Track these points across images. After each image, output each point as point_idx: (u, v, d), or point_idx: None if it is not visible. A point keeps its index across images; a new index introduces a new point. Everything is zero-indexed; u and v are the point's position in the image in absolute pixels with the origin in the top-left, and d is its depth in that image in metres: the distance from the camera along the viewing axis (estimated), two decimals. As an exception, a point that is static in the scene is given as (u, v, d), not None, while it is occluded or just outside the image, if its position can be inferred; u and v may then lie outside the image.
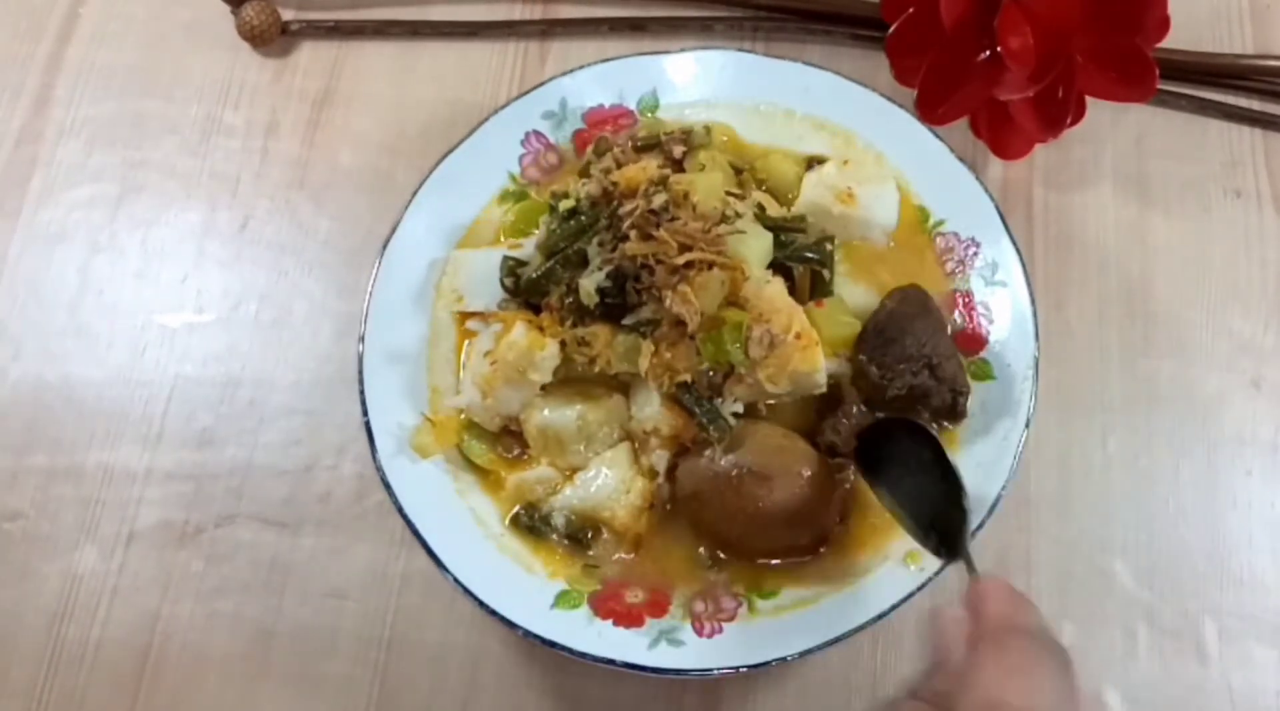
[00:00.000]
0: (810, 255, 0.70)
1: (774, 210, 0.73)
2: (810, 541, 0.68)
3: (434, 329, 0.74)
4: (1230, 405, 0.76)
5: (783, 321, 0.65)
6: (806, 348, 0.65)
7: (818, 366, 0.66)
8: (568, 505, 0.68)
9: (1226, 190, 0.82)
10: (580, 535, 0.68)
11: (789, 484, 0.65)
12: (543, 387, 0.68)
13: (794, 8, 0.86)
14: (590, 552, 0.68)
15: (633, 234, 0.66)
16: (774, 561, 0.68)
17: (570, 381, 0.69)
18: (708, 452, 0.66)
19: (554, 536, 0.68)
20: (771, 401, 0.69)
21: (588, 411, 0.68)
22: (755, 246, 0.67)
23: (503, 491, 0.70)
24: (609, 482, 0.68)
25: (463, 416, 0.70)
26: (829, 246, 0.71)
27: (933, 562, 0.65)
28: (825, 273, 0.71)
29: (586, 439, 0.68)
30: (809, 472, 0.65)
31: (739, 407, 0.67)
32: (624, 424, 0.69)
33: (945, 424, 0.70)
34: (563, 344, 0.67)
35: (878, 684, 0.69)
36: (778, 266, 0.69)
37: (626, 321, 0.66)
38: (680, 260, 0.64)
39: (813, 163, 0.77)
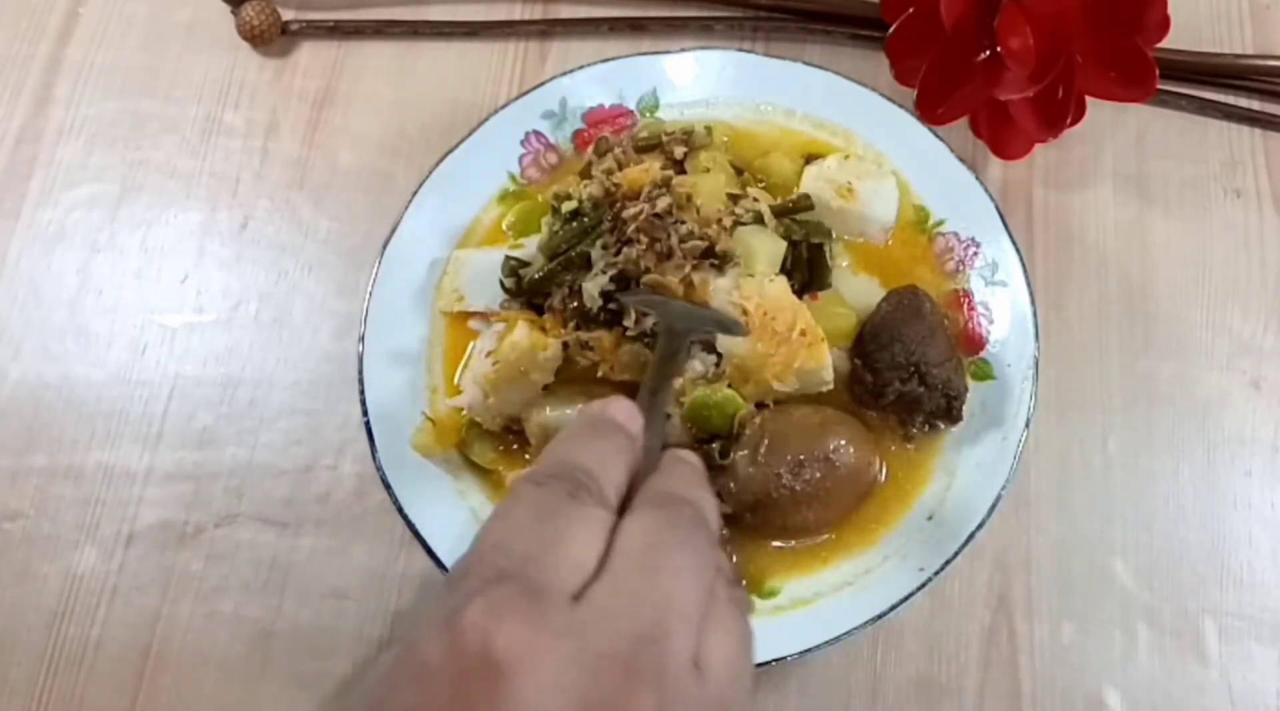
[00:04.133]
0: (819, 240, 0.71)
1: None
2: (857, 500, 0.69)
3: (434, 329, 0.74)
4: (1230, 405, 0.76)
5: (787, 319, 0.65)
6: (812, 345, 0.65)
7: (824, 362, 0.66)
8: None
9: (1226, 190, 0.82)
10: None
11: (843, 455, 0.66)
12: (545, 386, 0.68)
13: (794, 8, 0.86)
14: None
15: (641, 238, 0.66)
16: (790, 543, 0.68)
17: (572, 380, 0.69)
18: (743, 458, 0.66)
19: None
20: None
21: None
22: (768, 246, 0.68)
23: (503, 490, 0.70)
24: None
25: (464, 415, 0.70)
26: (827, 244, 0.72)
27: (933, 563, 0.65)
28: (826, 258, 0.71)
29: None
30: (852, 434, 0.67)
31: None
32: None
33: (942, 426, 0.70)
34: (565, 345, 0.68)
35: (878, 683, 0.69)
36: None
37: (630, 332, 0.67)
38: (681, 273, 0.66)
39: (812, 158, 0.77)
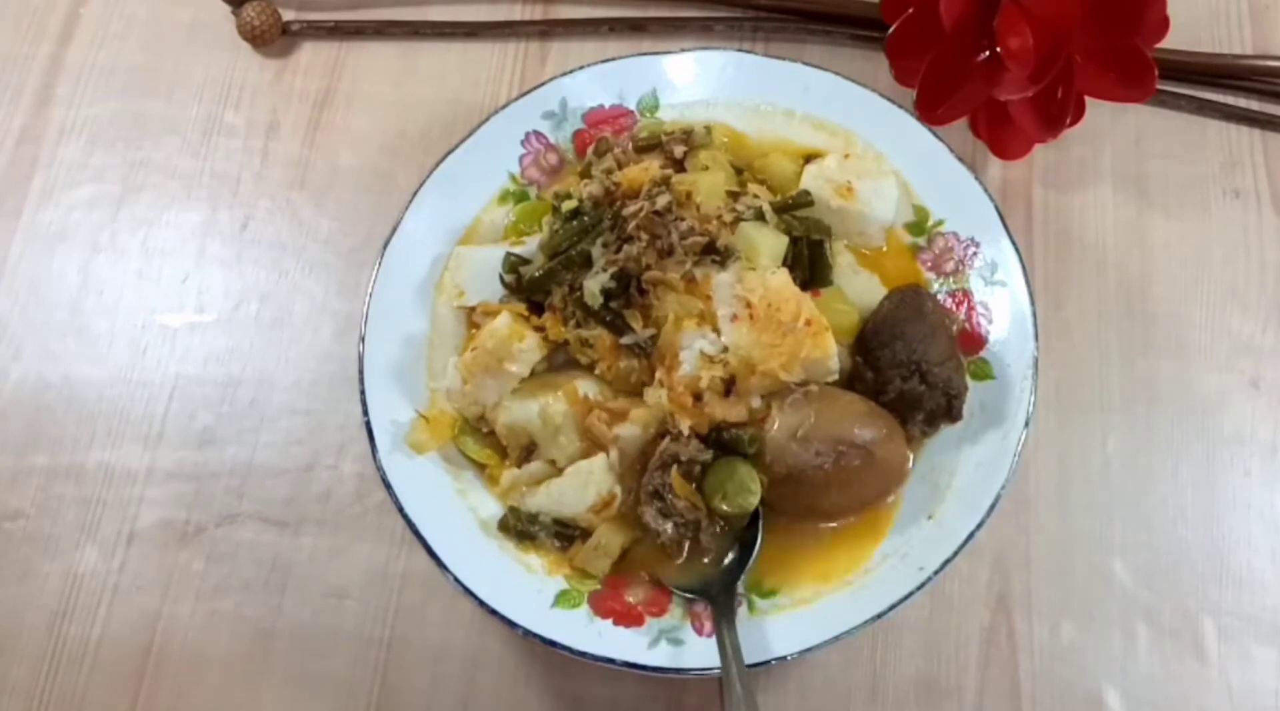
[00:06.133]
0: (818, 236, 0.71)
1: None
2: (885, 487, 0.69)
3: (434, 328, 0.74)
4: (1229, 405, 0.76)
5: (791, 309, 0.65)
6: (818, 334, 0.65)
7: (830, 352, 0.66)
8: (549, 511, 0.68)
9: (1225, 190, 0.82)
10: (570, 532, 0.68)
11: (882, 447, 0.67)
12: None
13: (794, 8, 0.87)
14: (586, 545, 0.68)
15: (641, 235, 0.66)
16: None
17: (535, 375, 0.69)
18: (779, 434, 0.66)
19: (543, 536, 0.68)
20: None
21: (549, 404, 0.68)
22: (771, 241, 0.68)
23: (499, 486, 0.70)
24: (586, 494, 0.67)
25: (448, 402, 0.70)
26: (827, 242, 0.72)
27: (933, 562, 0.65)
28: (826, 255, 0.71)
29: (553, 430, 0.68)
30: (893, 427, 0.68)
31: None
32: (583, 411, 0.68)
33: (942, 425, 0.70)
34: (566, 343, 0.68)
35: (878, 683, 0.69)
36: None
37: (625, 341, 0.67)
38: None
39: (811, 158, 0.77)
